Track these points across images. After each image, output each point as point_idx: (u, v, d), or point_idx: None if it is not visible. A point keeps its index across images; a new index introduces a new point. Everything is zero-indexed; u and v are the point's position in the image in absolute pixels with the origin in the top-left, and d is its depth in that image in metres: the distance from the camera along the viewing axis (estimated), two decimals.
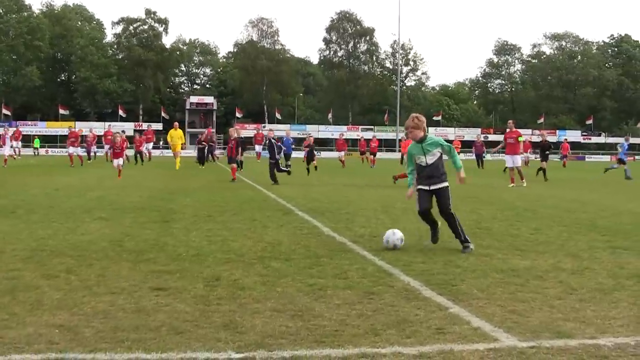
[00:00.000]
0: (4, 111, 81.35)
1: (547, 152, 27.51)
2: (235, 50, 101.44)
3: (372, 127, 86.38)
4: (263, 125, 77.70)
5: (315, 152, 29.12)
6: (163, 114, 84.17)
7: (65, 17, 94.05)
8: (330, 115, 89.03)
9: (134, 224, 10.61)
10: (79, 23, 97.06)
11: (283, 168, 21.94)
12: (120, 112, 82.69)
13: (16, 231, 9.53)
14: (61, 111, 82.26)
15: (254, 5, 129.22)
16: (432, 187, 8.47)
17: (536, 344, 4.50)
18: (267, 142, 21.92)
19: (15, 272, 6.57)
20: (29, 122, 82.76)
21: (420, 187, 8.55)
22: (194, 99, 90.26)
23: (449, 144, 8.63)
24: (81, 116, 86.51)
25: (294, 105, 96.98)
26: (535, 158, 37.43)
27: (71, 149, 34.33)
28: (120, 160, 23.46)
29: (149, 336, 4.57)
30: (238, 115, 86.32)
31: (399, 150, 40.81)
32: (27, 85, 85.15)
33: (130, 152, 33.74)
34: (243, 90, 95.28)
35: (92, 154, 37.30)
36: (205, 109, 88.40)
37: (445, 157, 8.63)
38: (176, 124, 34.49)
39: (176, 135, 32.22)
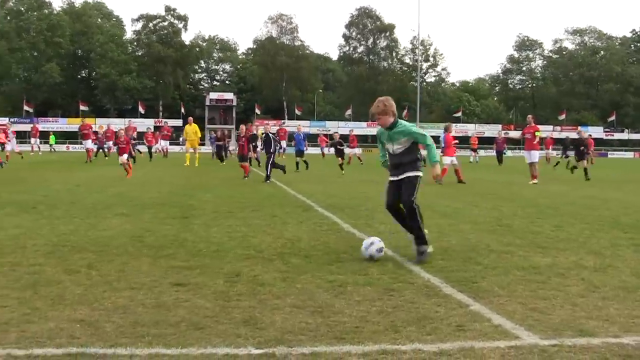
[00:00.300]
0: (26, 108, 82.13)
1: (583, 149, 25.85)
2: (254, 46, 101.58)
3: None
4: (283, 121, 77.71)
5: (343, 149, 27.83)
6: (183, 110, 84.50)
7: (85, 14, 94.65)
8: (348, 112, 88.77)
9: (154, 219, 10.66)
10: (99, 20, 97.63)
11: (279, 164, 21.57)
12: (140, 109, 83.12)
13: (38, 226, 9.61)
14: (82, 107, 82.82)
15: (273, 1, 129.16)
16: (400, 177, 7.64)
17: (558, 342, 4.45)
18: (264, 135, 21.28)
19: (37, 267, 6.62)
20: (50, 119, 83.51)
21: (390, 178, 7.79)
22: (213, 95, 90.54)
23: (423, 134, 7.62)
24: (101, 112, 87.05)
25: (314, 102, 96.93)
26: (564, 157, 36.69)
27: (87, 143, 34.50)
28: (125, 157, 21.93)
29: (169, 331, 4.58)
30: (258, 111, 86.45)
31: None
32: (48, 81, 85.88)
33: (141, 148, 33.76)
34: (262, 86, 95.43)
35: (106, 150, 37.10)
36: (224, 105, 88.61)
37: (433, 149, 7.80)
38: (190, 119, 34.05)
39: (191, 130, 31.92)
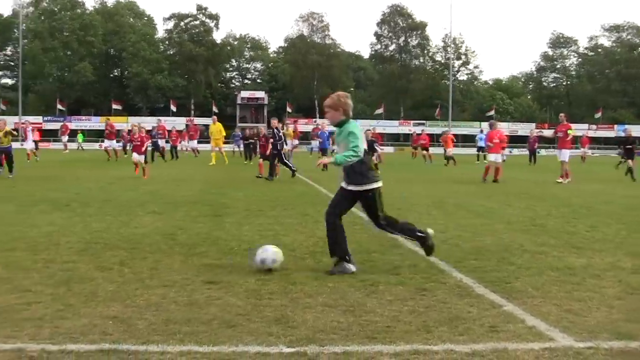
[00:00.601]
0: (59, 106, 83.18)
1: (631, 147, 24.94)
2: (285, 45, 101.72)
3: (424, 121, 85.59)
4: (314, 120, 77.73)
5: (379, 148, 25.52)
6: (214, 109, 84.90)
7: (117, 14, 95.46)
8: (379, 110, 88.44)
9: (186, 217, 10.72)
10: (131, 19, 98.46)
11: (288, 163, 21.18)
12: (172, 107, 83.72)
13: (71, 224, 9.72)
14: (114, 106, 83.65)
15: None
16: (350, 188, 6.78)
17: (594, 345, 4.37)
18: (272, 131, 20.80)
19: (70, 264, 6.69)
20: (83, 117, 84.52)
21: (341, 183, 6.94)
22: (245, 93, 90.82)
23: (355, 138, 6.58)
24: (134, 111, 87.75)
25: None
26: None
27: (107, 142, 34.72)
28: (142, 157, 20.95)
29: (201, 329, 4.59)
30: (289, 110, 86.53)
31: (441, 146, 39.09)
32: (81, 80, 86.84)
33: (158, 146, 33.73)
34: (294, 84, 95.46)
35: (127, 148, 37.05)
36: (256, 103, 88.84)
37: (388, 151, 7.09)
38: (214, 118, 33.98)
39: (215, 129, 31.89)
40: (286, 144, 29.13)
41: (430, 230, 7.20)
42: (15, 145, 21.17)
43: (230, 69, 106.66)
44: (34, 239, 8.22)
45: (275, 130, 20.53)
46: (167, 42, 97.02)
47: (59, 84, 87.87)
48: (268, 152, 20.99)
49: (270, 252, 6.58)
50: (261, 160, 22.31)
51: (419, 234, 6.97)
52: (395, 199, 14.56)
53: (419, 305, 5.33)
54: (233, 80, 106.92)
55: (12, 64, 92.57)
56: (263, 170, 21.23)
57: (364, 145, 6.62)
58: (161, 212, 11.31)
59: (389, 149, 72.60)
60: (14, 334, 4.38)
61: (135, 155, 21.13)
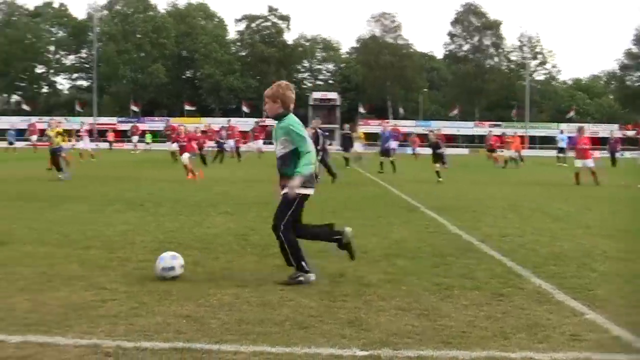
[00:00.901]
0: (133, 107, 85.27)
1: None
2: (357, 45, 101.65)
3: (500, 123, 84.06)
4: (387, 121, 77.42)
5: (444, 150, 22.51)
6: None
7: (189, 16, 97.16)
8: (454, 112, 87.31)
9: (257, 218, 10.75)
10: (202, 21, 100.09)
11: (331, 166, 20.23)
12: (244, 108, 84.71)
13: (145, 223, 9.89)
14: (187, 107, 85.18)
15: (376, 0, 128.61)
16: (283, 191, 6.22)
17: None
18: (313, 132, 19.70)
19: (144, 263, 6.78)
20: (156, 118, 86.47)
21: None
22: (317, 94, 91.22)
23: (302, 137, 6.05)
24: (206, 112, 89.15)
25: (418, 101, 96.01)
26: None
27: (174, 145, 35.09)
28: (186, 156, 20.21)
29: (274, 330, 4.57)
30: (362, 110, 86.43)
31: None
32: (154, 82, 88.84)
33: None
34: (366, 85, 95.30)
35: (227, 149, 37.09)
36: (328, 104, 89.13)
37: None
38: None
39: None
40: (352, 146, 28.81)
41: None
42: (66, 146, 21.23)
43: (302, 70, 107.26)
44: (110, 238, 8.39)
45: (319, 130, 20.05)
46: (238, 44, 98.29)
47: (132, 86, 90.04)
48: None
49: (169, 258, 6.18)
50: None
51: (302, 266, 6.10)
52: (468, 200, 14.32)
53: (496, 311, 5.17)
54: (305, 82, 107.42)
55: (87, 66, 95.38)
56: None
57: (311, 147, 6.12)
58: (233, 213, 11.40)
59: (464, 151, 71.72)
60: (90, 330, 4.45)
61: (182, 157, 20.54)
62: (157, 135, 67.43)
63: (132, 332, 4.43)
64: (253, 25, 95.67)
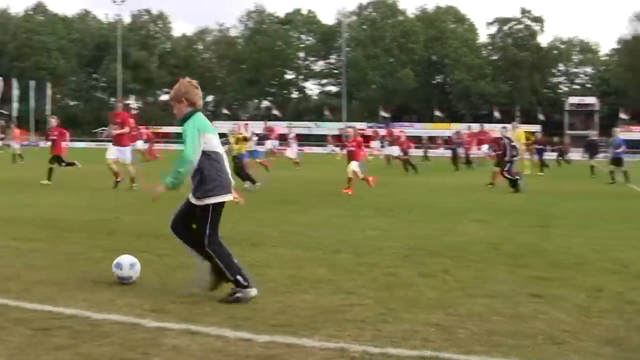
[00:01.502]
0: (382, 113, 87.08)
1: None
2: (618, 47, 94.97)
3: None
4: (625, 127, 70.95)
5: None
6: (541, 116, 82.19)
7: (438, 20, 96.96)
8: None
9: (511, 227, 10.40)
10: (453, 25, 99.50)
11: (510, 176, 18.45)
12: (496, 114, 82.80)
13: (394, 229, 9.94)
14: (436, 113, 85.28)
15: None
16: (191, 198, 5.48)
17: None
18: (500, 142, 19.20)
19: (392, 269, 6.79)
20: (405, 123, 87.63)
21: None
22: (573, 99, 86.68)
23: (191, 139, 5.31)
24: (456, 118, 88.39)
25: None
26: None
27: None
28: (354, 165, 16.52)
29: (525, 343, 4.37)
30: (623, 116, 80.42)
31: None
32: (403, 87, 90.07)
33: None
34: (628, 89, 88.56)
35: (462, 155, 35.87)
36: (586, 110, 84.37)
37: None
38: (514, 123, 31.93)
39: (516, 137, 30.20)
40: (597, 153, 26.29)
41: (253, 292, 5.40)
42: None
43: (557, 74, 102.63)
44: (359, 243, 8.51)
45: (506, 140, 18.92)
46: (489, 47, 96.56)
47: (381, 91, 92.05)
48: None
49: (127, 268, 5.82)
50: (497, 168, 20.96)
51: (239, 281, 5.35)
52: None
53: None
54: (560, 86, 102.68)
55: (336, 71, 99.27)
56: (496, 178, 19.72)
57: (196, 149, 5.30)
58: (485, 221, 11.12)
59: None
60: (337, 334, 4.51)
61: (350, 165, 16.68)
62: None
63: (378, 338, 4.44)
64: (505, 28, 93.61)
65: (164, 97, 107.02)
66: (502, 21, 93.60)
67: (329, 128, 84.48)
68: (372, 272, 6.67)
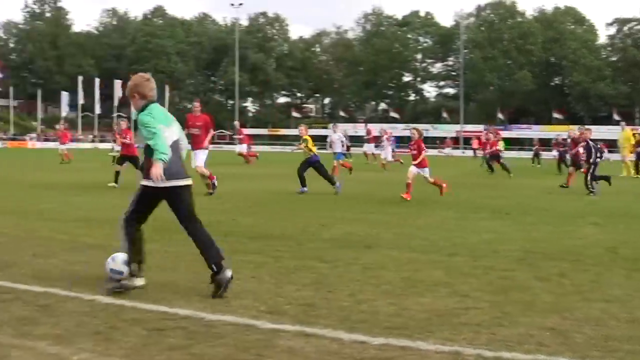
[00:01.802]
0: (499, 115, 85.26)
1: None
2: None
3: None
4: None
5: None
6: None
7: (557, 21, 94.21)
8: None
9: (628, 230, 10.11)
10: (572, 26, 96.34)
11: (602, 175, 18.10)
12: (615, 116, 79.27)
13: (510, 232, 9.83)
14: (555, 115, 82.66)
15: None
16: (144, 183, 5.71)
17: None
18: (585, 144, 18.22)
19: (508, 272, 6.76)
20: (523, 126, 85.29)
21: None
22: None
23: (150, 132, 5.45)
24: (575, 120, 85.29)
25: None
26: None
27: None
28: (414, 169, 15.02)
29: None
30: None
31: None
32: (521, 89, 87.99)
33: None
34: None
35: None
36: None
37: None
38: (622, 123, 30.57)
39: (623, 137, 28.69)
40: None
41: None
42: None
43: None
44: (474, 245, 8.49)
45: (591, 143, 18.05)
46: (609, 48, 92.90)
47: (499, 93, 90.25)
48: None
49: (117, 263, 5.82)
50: (571, 169, 19.95)
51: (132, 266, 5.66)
52: None
53: None
54: None
55: (454, 73, 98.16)
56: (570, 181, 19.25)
57: (165, 135, 5.49)
58: (602, 224, 10.84)
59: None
60: (452, 337, 4.56)
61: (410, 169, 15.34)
62: (508, 143, 66.70)
63: (493, 342, 4.48)
64: (625, 28, 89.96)
65: (282, 100, 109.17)
66: (621, 22, 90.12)
67: (447, 130, 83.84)
68: (487, 275, 6.66)
